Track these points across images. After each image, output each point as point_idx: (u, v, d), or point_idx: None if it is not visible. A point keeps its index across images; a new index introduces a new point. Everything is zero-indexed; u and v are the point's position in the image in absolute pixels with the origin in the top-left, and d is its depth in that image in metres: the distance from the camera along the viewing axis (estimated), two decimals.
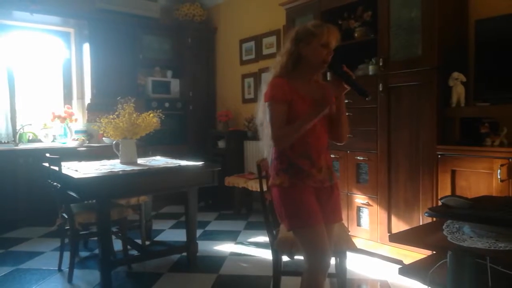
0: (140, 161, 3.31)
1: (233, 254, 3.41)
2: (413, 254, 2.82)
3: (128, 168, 2.94)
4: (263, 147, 1.94)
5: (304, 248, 1.78)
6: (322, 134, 1.86)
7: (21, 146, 4.60)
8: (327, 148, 1.89)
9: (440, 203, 1.74)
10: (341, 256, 2.23)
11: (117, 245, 3.27)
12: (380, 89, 3.10)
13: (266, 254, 3.31)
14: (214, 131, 5.51)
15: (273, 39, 4.89)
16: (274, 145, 1.78)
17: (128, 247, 3.20)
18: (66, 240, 3.01)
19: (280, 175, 1.83)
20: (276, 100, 1.77)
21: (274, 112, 1.77)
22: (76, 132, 5.02)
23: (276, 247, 2.20)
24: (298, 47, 1.80)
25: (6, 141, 4.70)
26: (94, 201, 2.99)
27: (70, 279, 2.85)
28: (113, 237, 3.15)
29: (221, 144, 5.23)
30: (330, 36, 1.78)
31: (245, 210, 4.90)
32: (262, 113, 1.88)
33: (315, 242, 1.75)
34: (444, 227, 1.65)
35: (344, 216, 3.35)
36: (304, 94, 1.82)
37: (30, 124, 4.88)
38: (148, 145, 4.67)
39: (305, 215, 1.76)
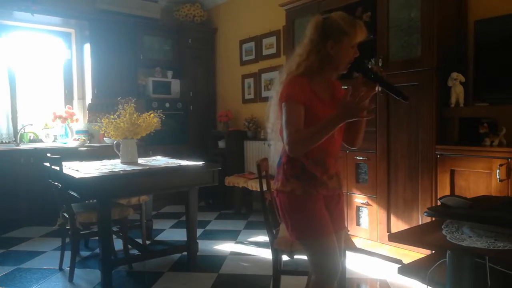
0: (140, 161, 3.32)
1: (233, 254, 3.42)
2: (412, 254, 2.83)
3: (129, 168, 2.95)
4: (274, 156, 1.78)
5: (316, 259, 1.67)
6: (339, 140, 1.73)
7: (22, 146, 4.61)
8: (339, 156, 1.78)
9: (439, 202, 1.74)
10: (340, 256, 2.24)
11: (118, 244, 3.28)
12: (379, 89, 3.10)
13: (266, 254, 3.32)
14: (214, 131, 5.52)
15: (273, 39, 4.90)
16: (289, 151, 1.56)
17: (129, 246, 3.21)
18: (67, 240, 3.01)
19: (291, 181, 1.66)
20: (294, 100, 1.57)
21: (291, 114, 1.56)
22: (77, 132, 5.03)
23: (276, 246, 2.21)
24: (326, 45, 1.60)
25: (7, 141, 4.71)
26: (95, 200, 3.01)
27: (71, 279, 2.86)
28: (114, 236, 3.17)
29: (221, 144, 5.24)
30: (361, 36, 1.61)
31: (245, 210, 4.91)
32: (274, 114, 1.70)
33: (329, 253, 1.65)
34: (443, 226, 1.65)
35: None
36: (322, 95, 1.66)
37: (31, 124, 4.89)
38: (149, 145, 4.69)
39: (318, 225, 1.64)
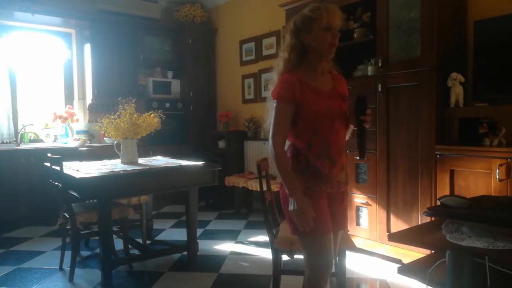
0: (141, 161, 3.33)
1: (233, 253, 3.43)
2: (412, 254, 2.83)
3: (129, 168, 2.96)
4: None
5: (309, 255, 1.71)
6: (341, 130, 1.74)
7: (23, 146, 4.62)
8: (344, 147, 1.78)
9: (439, 202, 1.75)
10: (340, 255, 2.25)
11: (118, 244, 3.29)
12: (379, 89, 3.11)
13: (266, 253, 3.33)
14: (215, 131, 5.53)
15: (273, 40, 4.91)
16: (270, 146, 1.64)
17: (129, 246, 3.22)
18: (67, 240, 3.02)
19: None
20: (284, 99, 1.63)
21: (280, 115, 1.63)
22: (78, 132, 5.04)
23: (276, 246, 2.22)
24: (300, 37, 1.66)
25: (8, 141, 4.71)
26: (95, 200, 3.01)
27: (71, 278, 2.87)
28: (114, 236, 3.17)
29: (221, 144, 5.25)
30: (330, 17, 1.63)
31: (245, 210, 4.92)
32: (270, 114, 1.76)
33: (322, 250, 1.68)
34: (442, 226, 1.65)
35: None
36: (318, 88, 1.68)
37: (32, 124, 4.89)
38: (149, 145, 4.69)
39: (316, 223, 1.63)
